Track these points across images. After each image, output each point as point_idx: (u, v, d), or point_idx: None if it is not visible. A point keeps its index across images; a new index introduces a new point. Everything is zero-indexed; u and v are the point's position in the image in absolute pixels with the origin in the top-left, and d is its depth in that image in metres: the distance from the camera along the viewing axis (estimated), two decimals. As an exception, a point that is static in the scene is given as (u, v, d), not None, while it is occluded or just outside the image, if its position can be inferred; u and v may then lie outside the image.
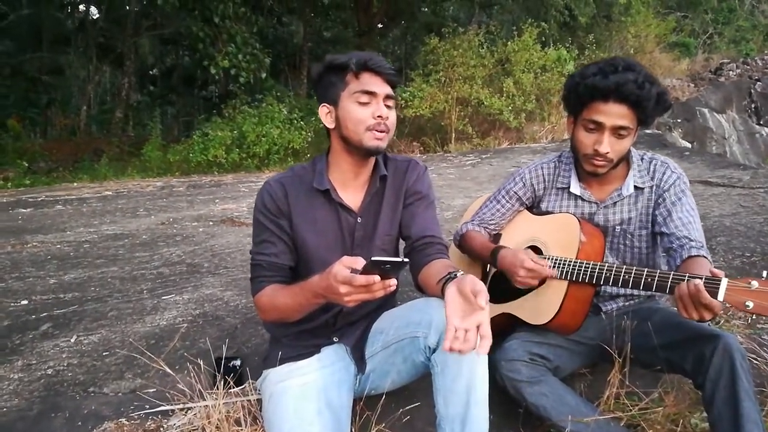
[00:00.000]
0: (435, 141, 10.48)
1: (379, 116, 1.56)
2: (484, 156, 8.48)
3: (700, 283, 1.39)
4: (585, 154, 1.77)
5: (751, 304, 1.34)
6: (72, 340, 2.38)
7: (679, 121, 12.39)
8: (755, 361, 1.99)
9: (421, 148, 10.40)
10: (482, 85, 10.71)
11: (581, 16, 12.69)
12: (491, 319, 1.89)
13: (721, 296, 1.38)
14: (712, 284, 1.39)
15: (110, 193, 6.76)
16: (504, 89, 10.65)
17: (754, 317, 1.39)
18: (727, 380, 1.49)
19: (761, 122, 13.72)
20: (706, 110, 12.71)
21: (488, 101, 10.34)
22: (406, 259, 1.25)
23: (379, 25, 15.73)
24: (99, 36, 20.08)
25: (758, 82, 14.06)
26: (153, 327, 2.47)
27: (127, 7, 18.79)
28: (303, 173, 1.69)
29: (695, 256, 1.61)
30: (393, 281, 1.27)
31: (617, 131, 1.70)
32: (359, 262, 1.25)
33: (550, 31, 12.11)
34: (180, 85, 22.73)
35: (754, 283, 1.34)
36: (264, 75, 11.32)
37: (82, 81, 21.00)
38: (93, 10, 22.03)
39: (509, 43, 11.25)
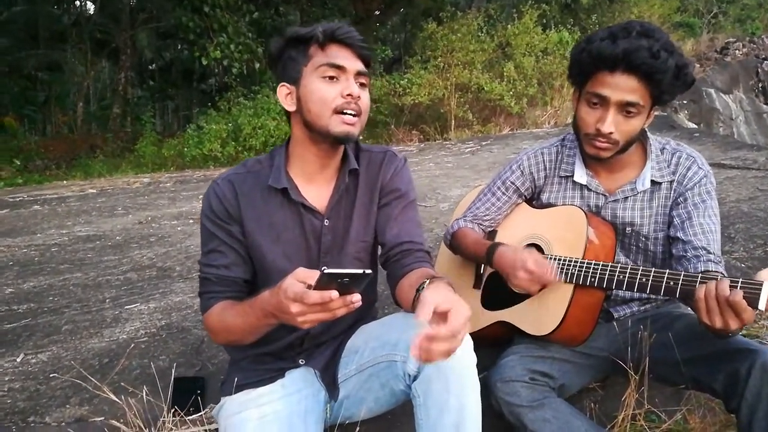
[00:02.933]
0: (435, 129, 10.21)
1: (348, 95, 1.28)
2: (484, 143, 8.20)
3: (726, 281, 1.13)
4: (586, 133, 1.48)
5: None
6: (18, 360, 2.14)
7: (685, 102, 12.08)
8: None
9: (421, 137, 10.14)
10: (482, 70, 10.44)
11: (583, -3, 12.38)
12: (486, 328, 1.67)
13: (762, 304, 1.11)
14: (752, 289, 1.12)
15: (93, 191, 6.53)
16: (504, 74, 10.38)
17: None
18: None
19: (768, 102, 13.46)
20: (712, 91, 12.41)
21: (488, 87, 10.06)
22: (369, 271, 0.98)
23: (377, 12, 15.40)
24: (95, 31, 19.89)
25: (765, 61, 13.80)
26: (110, 342, 2.22)
27: (122, 1, 18.57)
28: (258, 168, 1.41)
29: (712, 271, 1.34)
30: (356, 297, 1.00)
31: (624, 108, 1.40)
32: (315, 276, 0.99)
33: (551, 14, 11.88)
34: (179, 79, 22.57)
35: None
36: (258, 65, 11.06)
37: (79, 77, 20.83)
38: (88, 4, 21.87)
39: (509, 26, 11.02)
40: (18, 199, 6.00)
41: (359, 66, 1.32)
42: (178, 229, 4.25)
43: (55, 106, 20.16)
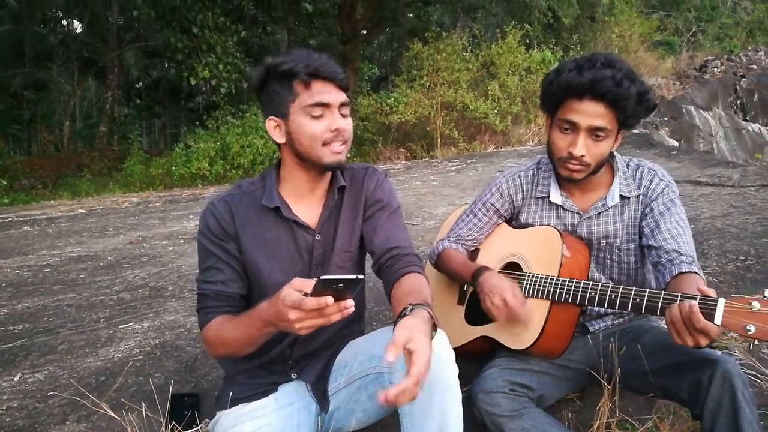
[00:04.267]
0: (421, 147, 10.34)
1: (335, 129, 1.39)
2: (469, 161, 8.33)
3: (694, 304, 1.22)
4: (559, 157, 1.60)
5: (752, 328, 1.17)
6: (15, 379, 2.19)
7: (665, 119, 12.33)
8: (755, 380, 1.83)
9: (408, 155, 10.25)
10: (467, 89, 10.60)
11: (565, 18, 12.63)
12: (469, 343, 1.76)
13: (718, 319, 1.21)
14: (708, 306, 1.22)
15: (83, 211, 6.54)
16: (489, 92, 10.55)
17: (756, 342, 1.22)
18: (728, 412, 1.33)
19: (747, 118, 13.73)
20: (692, 108, 12.68)
21: (473, 105, 10.23)
22: (361, 276, 1.08)
23: (363, 31, 15.59)
24: (82, 50, 19.93)
25: (743, 78, 14.07)
26: (106, 361, 2.28)
27: (109, 20, 18.64)
28: (251, 189, 1.51)
29: (686, 272, 1.45)
30: (350, 302, 1.09)
31: (593, 132, 1.53)
32: (311, 285, 1.08)
33: (534, 33, 12.08)
34: (166, 97, 22.58)
35: (756, 304, 1.17)
36: (246, 85, 11.16)
37: (65, 96, 20.80)
38: (75, 24, 21.89)
39: (493, 46, 11.19)
40: (7, 220, 5.99)
41: (342, 98, 1.42)
42: (170, 249, 4.30)
43: (41, 125, 20.07)
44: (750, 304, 1.18)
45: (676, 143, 11.75)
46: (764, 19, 20.49)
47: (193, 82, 10.28)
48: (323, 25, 17.89)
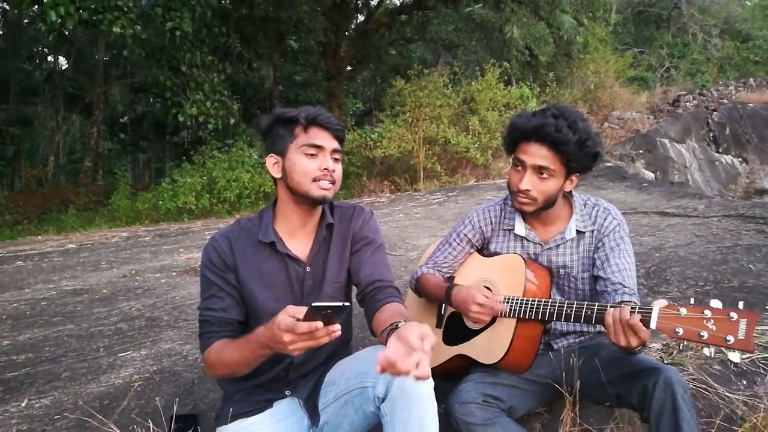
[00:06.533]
0: (405, 180, 10.62)
1: (325, 168, 1.60)
2: (450, 194, 8.58)
3: (627, 307, 1.45)
4: (512, 191, 1.86)
5: (680, 330, 1.39)
6: (23, 404, 2.32)
7: (641, 151, 12.77)
8: (706, 392, 2.03)
9: (392, 188, 10.50)
10: (449, 124, 10.96)
11: (542, 56, 13.11)
12: (447, 362, 1.94)
13: (653, 324, 1.43)
14: (645, 313, 1.44)
15: (74, 246, 6.64)
16: (470, 127, 10.91)
17: (685, 343, 1.43)
18: (670, 413, 1.52)
19: (720, 150, 14.20)
20: (666, 141, 13.12)
21: (455, 140, 10.58)
22: (347, 303, 1.27)
23: (348, 68, 16.01)
24: (67, 86, 20.07)
25: (714, 112, 14.60)
26: (108, 386, 2.41)
27: (96, 57, 18.87)
28: (249, 226, 1.70)
29: (627, 301, 1.67)
30: (337, 327, 1.27)
31: (538, 170, 1.77)
32: (303, 311, 1.26)
33: (512, 70, 12.49)
34: (151, 132, 22.68)
35: (683, 310, 1.40)
36: (233, 121, 11.39)
37: (50, 131, 20.85)
38: (61, 60, 22.06)
39: (473, 83, 11.58)
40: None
41: (335, 145, 1.64)
42: (162, 281, 4.44)
43: (25, 161, 20.06)
44: (678, 310, 1.40)
45: (651, 175, 12.15)
46: (734, 55, 21.36)
47: (181, 119, 10.47)
48: (308, 62, 18.32)
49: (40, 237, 8.58)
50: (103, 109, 18.50)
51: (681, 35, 22.15)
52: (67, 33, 14.78)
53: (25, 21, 18.91)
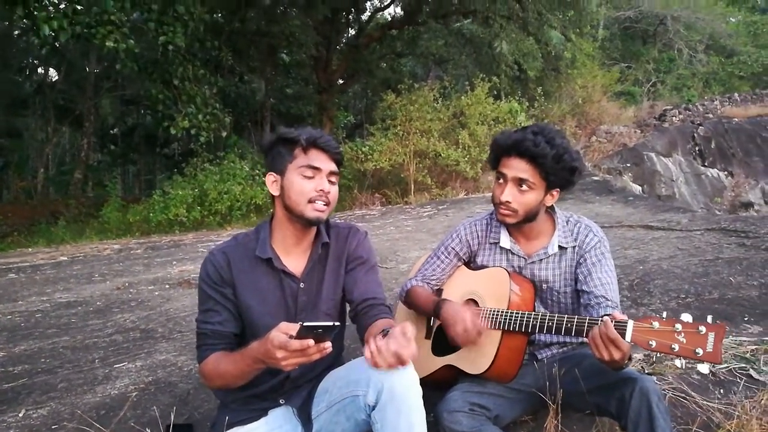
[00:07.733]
0: (396, 193, 10.71)
1: (321, 190, 1.67)
2: (441, 207, 8.68)
3: (608, 319, 1.53)
4: (494, 203, 1.96)
5: (653, 343, 1.47)
6: (20, 415, 2.36)
7: (628, 165, 12.98)
8: (684, 401, 2.10)
9: (383, 200, 10.59)
10: (439, 137, 11.10)
11: (530, 71, 13.31)
12: (435, 372, 2.01)
13: (628, 337, 1.51)
14: (620, 327, 1.52)
15: (65, 258, 6.65)
16: (460, 141, 11.06)
17: (659, 355, 1.51)
18: (646, 421, 1.60)
19: (706, 164, 14.43)
20: (653, 154, 13.33)
21: (445, 153, 10.72)
22: (337, 323, 1.34)
23: (340, 81, 16.15)
24: (58, 98, 20.03)
25: (700, 126, 14.87)
26: (104, 397, 2.46)
27: (87, 69, 18.87)
28: (246, 241, 1.77)
29: (610, 315, 1.75)
30: (327, 344, 1.35)
31: (518, 183, 1.87)
32: (296, 328, 1.32)
33: (501, 85, 12.68)
34: (141, 143, 22.63)
35: (656, 324, 1.47)
36: (225, 134, 11.44)
37: (40, 143, 20.77)
38: (52, 72, 22.02)
39: (463, 97, 11.74)
40: (-9, 268, 6.09)
41: (332, 167, 1.72)
42: (156, 294, 4.48)
43: (14, 172, 19.97)
44: (651, 324, 1.48)
45: (639, 188, 12.34)
46: (719, 70, 21.75)
47: (173, 132, 10.51)
48: (300, 75, 18.42)
49: (30, 249, 8.55)
50: (94, 121, 18.45)
51: (667, 51, 22.51)
52: (58, 45, 14.80)
53: (16, 33, 18.89)
